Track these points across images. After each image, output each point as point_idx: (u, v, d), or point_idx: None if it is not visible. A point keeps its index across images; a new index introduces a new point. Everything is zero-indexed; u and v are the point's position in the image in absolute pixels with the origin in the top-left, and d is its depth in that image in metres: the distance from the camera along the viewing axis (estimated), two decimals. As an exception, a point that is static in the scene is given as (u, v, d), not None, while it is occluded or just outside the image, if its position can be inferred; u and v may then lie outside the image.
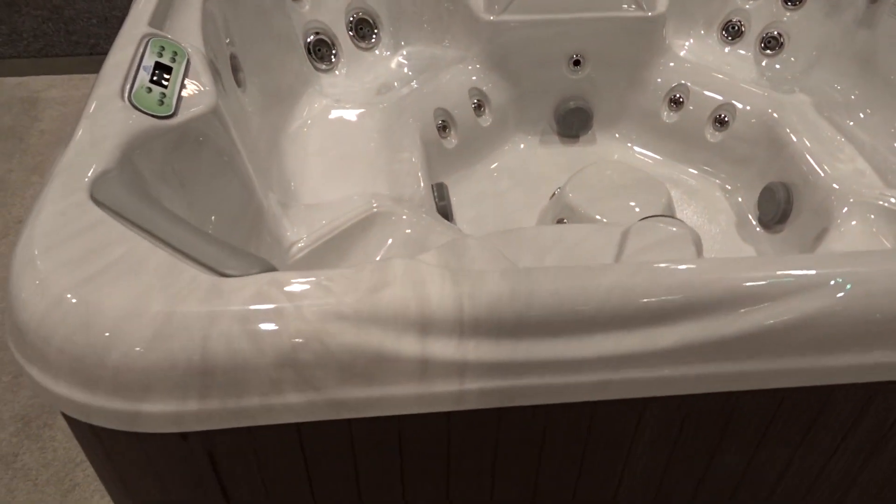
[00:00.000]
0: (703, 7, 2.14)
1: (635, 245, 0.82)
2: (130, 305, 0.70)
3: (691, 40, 2.14)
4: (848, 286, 0.75)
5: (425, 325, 0.71)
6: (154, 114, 0.98)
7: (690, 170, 1.94)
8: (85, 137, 0.89)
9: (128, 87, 0.99)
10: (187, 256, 0.76)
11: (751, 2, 2.14)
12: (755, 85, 1.92)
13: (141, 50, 1.07)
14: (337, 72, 2.02)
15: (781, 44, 2.10)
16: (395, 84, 2.00)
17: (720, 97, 1.89)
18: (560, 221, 1.71)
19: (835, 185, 1.62)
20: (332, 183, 1.56)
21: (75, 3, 2.63)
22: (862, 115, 1.84)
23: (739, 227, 1.80)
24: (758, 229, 1.77)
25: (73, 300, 0.70)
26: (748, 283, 0.74)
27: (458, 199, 1.82)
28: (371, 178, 1.58)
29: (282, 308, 0.70)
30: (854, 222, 1.56)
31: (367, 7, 2.08)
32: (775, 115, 1.82)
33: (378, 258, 1.39)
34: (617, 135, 2.01)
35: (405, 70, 2.06)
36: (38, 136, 2.05)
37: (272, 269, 0.76)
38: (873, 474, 0.92)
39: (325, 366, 0.70)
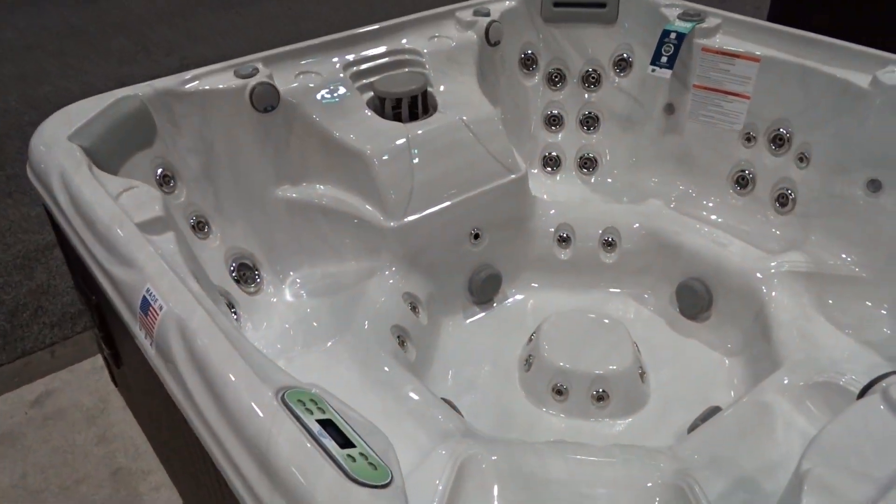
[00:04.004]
0: (522, 148, 2.38)
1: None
2: None
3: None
4: None
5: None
6: (379, 483, 0.84)
7: (600, 294, 2.11)
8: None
9: (335, 466, 0.84)
10: None
11: (560, 134, 2.44)
12: (619, 203, 2.19)
13: (292, 414, 0.90)
14: (246, 326, 1.84)
15: (596, 162, 2.42)
16: (288, 317, 1.89)
17: (598, 223, 2.11)
18: (557, 388, 1.75)
19: (743, 267, 1.91)
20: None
21: None
22: (711, 204, 2.20)
23: (673, 326, 2.01)
24: (689, 322, 2.00)
25: None
26: None
27: (444, 406, 1.76)
28: (401, 429, 1.47)
29: None
30: (774, 293, 1.85)
31: (240, 249, 1.95)
32: (651, 223, 2.08)
33: (494, 509, 1.30)
34: (535, 284, 2.12)
35: (303, 296, 1.95)
36: None
37: None
38: None
39: None
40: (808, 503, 0.80)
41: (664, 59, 2.11)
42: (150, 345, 1.12)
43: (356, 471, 0.84)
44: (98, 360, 2.08)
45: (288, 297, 1.96)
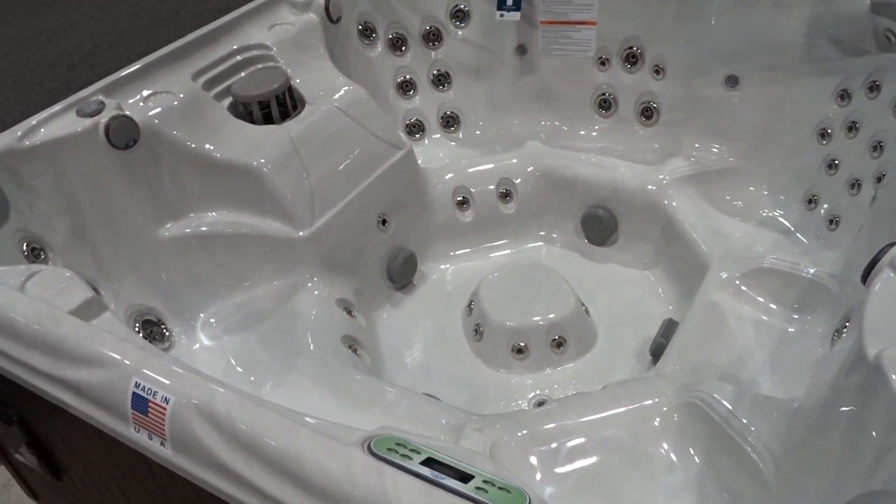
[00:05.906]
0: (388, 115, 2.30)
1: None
2: None
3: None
4: None
5: None
6: (521, 504, 0.79)
7: (509, 245, 2.13)
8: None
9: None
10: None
11: (417, 98, 2.39)
12: (498, 153, 2.19)
13: (394, 465, 0.82)
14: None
15: (458, 119, 2.41)
16: (217, 363, 1.74)
17: (491, 178, 2.11)
18: (517, 347, 1.75)
19: (638, 185, 2.00)
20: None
21: None
22: (583, 132, 2.27)
23: (588, 256, 2.08)
24: (601, 249, 2.08)
25: None
26: None
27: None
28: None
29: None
30: (675, 203, 1.96)
31: (139, 306, 1.73)
32: (539, 164, 2.11)
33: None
34: (447, 253, 2.09)
35: (221, 336, 1.79)
36: None
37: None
38: None
39: None
40: (901, 381, 0.87)
41: (510, 3, 2.12)
42: (162, 444, 0.96)
43: (496, 500, 0.78)
44: (-6, 479, 1.78)
45: (206, 341, 1.78)
